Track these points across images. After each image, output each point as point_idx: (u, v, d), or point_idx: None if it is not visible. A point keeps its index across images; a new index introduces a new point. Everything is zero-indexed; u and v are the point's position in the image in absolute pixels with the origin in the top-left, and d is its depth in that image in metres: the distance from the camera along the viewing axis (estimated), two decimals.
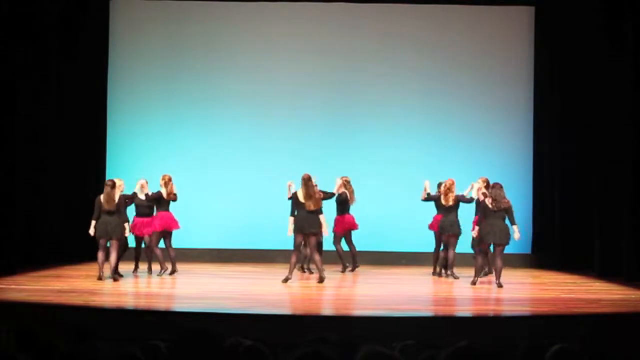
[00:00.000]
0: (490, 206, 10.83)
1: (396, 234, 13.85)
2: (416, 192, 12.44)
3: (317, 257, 11.11)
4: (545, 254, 13.97)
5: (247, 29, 14.58)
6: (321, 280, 10.96)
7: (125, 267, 11.77)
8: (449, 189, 11.84)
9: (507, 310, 9.15)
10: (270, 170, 13.96)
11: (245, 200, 14.07)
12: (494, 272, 11.16)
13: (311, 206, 10.96)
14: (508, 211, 10.88)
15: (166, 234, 11.67)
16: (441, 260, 12.14)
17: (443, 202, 11.83)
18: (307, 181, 11.02)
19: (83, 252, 12.85)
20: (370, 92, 14.49)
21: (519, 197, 14.22)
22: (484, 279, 11.84)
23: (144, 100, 14.54)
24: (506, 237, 10.87)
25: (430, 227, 12.27)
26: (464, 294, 10.54)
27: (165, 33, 14.62)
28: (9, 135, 11.74)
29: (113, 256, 10.89)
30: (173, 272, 11.70)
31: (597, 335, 7.48)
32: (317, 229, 11.05)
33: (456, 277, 11.79)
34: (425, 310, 9.54)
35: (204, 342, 4.15)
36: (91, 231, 10.92)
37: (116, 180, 11.32)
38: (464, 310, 9.52)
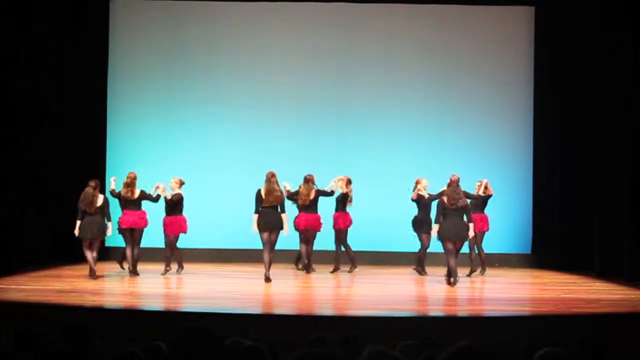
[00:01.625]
0: (448, 205, 10.86)
1: (396, 234, 13.83)
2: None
3: (267, 256, 11.15)
4: (545, 254, 13.96)
5: (247, 29, 14.58)
6: (267, 279, 11.05)
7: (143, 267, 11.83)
8: (416, 186, 12.24)
9: (507, 310, 9.14)
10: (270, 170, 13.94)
11: (245, 200, 14.03)
12: (448, 272, 11.10)
13: (270, 202, 11.07)
14: (465, 209, 10.93)
15: (133, 232, 11.59)
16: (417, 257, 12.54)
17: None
18: (270, 178, 11.20)
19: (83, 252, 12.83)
20: (370, 92, 14.49)
21: (519, 197, 14.26)
22: (477, 278, 11.97)
23: (144, 100, 14.54)
24: (465, 234, 10.91)
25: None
26: (464, 294, 10.53)
27: (165, 33, 14.62)
28: (8, 135, 11.74)
29: (93, 255, 11.07)
30: (133, 272, 11.60)
31: (597, 335, 7.48)
32: (276, 226, 11.11)
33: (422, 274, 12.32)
34: (425, 310, 9.54)
35: (204, 342, 4.15)
36: (76, 232, 11.13)
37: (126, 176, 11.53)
38: (464, 310, 9.52)
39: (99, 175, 13.72)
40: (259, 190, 11.21)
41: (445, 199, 10.96)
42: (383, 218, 14.01)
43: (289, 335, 6.21)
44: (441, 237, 10.96)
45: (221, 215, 14.20)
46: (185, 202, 12.04)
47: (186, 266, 12.38)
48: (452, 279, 10.87)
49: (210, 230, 14.14)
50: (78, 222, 11.10)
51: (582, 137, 13.24)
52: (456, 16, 14.57)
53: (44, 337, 4.45)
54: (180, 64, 14.56)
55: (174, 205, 11.87)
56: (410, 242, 12.76)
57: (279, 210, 11.24)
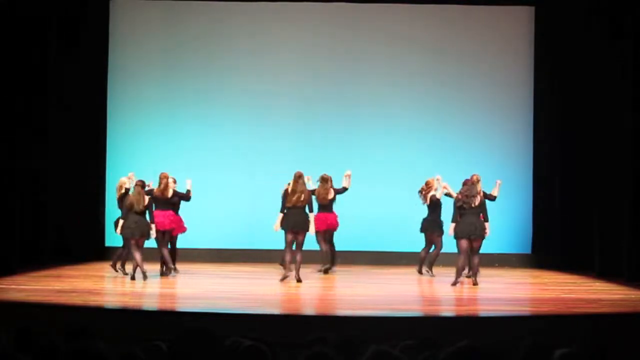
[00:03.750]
0: (463, 204, 10.87)
1: (396, 234, 13.84)
2: (416, 193, 12.45)
3: (298, 257, 11.09)
4: (545, 254, 13.96)
5: (247, 29, 14.57)
6: (298, 280, 10.99)
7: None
8: (427, 188, 12.14)
9: (507, 310, 9.15)
10: (270, 170, 13.95)
11: (245, 200, 14.07)
12: (471, 271, 11.14)
13: (295, 202, 11.03)
14: (482, 207, 10.94)
15: (164, 233, 11.57)
16: (428, 259, 12.33)
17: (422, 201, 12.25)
18: (297, 178, 11.14)
19: (83, 252, 12.85)
20: (370, 93, 14.48)
21: (519, 197, 14.25)
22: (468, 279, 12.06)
23: (144, 100, 14.53)
24: (482, 233, 10.89)
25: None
26: (464, 294, 10.54)
27: (165, 33, 14.62)
28: (8, 136, 11.74)
29: (138, 255, 10.92)
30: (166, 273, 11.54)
31: (597, 335, 7.48)
32: (302, 226, 11.08)
33: (432, 275, 12.12)
34: (425, 310, 9.55)
35: (204, 342, 4.15)
36: (118, 230, 11.12)
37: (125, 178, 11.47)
38: (464, 310, 9.52)
39: (99, 175, 13.76)
40: (286, 189, 11.18)
41: (459, 197, 10.96)
42: (383, 218, 13.99)
43: (289, 335, 6.21)
44: (457, 235, 10.94)
45: (221, 215, 14.18)
46: (186, 202, 11.99)
47: (187, 266, 12.37)
48: (455, 279, 10.87)
49: (210, 230, 14.13)
50: (121, 222, 11.07)
51: (582, 137, 13.24)
52: (456, 16, 14.57)
53: (44, 337, 4.45)
54: (181, 64, 14.55)
55: (176, 202, 11.80)
56: (411, 242, 12.77)
57: (306, 210, 11.19)
